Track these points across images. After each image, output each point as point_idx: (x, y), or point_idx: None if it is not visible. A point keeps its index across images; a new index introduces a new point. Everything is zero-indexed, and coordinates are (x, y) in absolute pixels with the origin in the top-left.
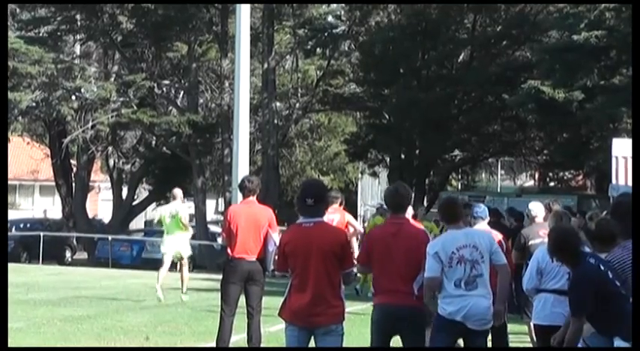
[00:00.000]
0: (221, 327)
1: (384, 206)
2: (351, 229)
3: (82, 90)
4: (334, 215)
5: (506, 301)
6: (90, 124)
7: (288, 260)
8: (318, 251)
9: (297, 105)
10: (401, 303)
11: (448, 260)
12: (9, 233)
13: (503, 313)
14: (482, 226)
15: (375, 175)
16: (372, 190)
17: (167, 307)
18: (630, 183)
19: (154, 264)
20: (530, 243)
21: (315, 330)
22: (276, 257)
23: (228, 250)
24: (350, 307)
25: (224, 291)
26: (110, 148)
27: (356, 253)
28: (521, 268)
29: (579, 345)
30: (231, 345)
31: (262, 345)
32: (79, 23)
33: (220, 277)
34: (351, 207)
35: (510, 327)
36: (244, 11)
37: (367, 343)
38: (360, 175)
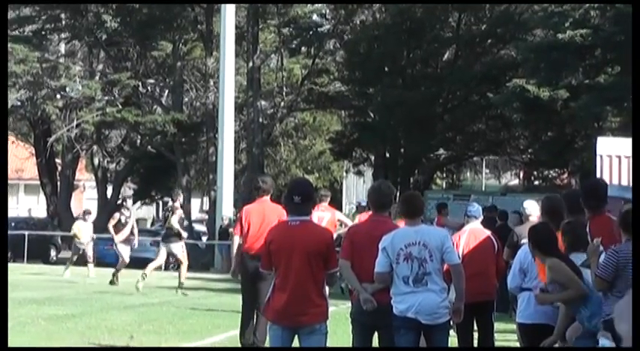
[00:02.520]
0: (242, 323)
1: (362, 204)
2: (343, 226)
3: (67, 89)
4: (325, 213)
5: (463, 299)
6: (75, 122)
7: (273, 259)
8: (302, 250)
9: (282, 104)
10: (379, 299)
11: (395, 256)
12: None
13: (462, 310)
14: (476, 224)
15: (359, 173)
16: (356, 188)
17: (152, 305)
18: (615, 181)
19: (139, 263)
20: (522, 241)
21: (299, 329)
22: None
23: (243, 249)
24: (334, 306)
25: (242, 289)
26: (95, 147)
27: None
28: None
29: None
30: (218, 343)
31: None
32: (63, 22)
33: (205, 275)
34: (336, 205)
35: (497, 325)
36: (229, 10)
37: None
38: (344, 174)
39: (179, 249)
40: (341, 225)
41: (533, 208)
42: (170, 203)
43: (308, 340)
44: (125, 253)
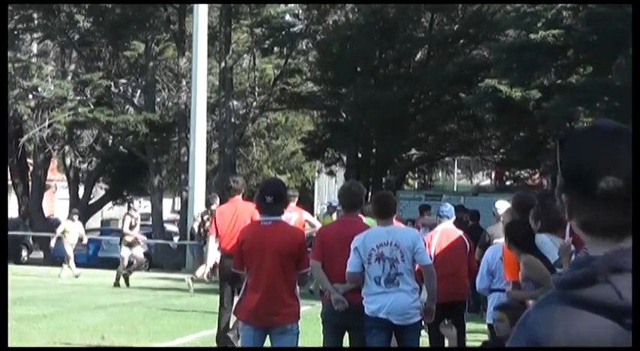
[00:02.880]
0: (219, 323)
1: (333, 205)
2: (311, 227)
3: (39, 89)
4: (292, 214)
5: (434, 299)
6: (47, 122)
7: (245, 258)
8: (275, 250)
9: (255, 104)
10: (350, 299)
11: (367, 257)
12: None
13: (434, 311)
14: (448, 224)
15: (331, 173)
16: (328, 189)
17: (123, 306)
18: None
19: (111, 263)
20: (494, 241)
21: (271, 329)
22: (234, 255)
23: (220, 249)
24: (305, 306)
25: (220, 289)
26: (67, 147)
27: None
28: None
29: None
30: (189, 343)
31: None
32: (36, 22)
33: (176, 275)
34: (307, 206)
35: (468, 326)
36: (202, 10)
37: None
38: (316, 174)
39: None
40: (309, 226)
41: (505, 208)
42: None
43: (279, 340)
44: (126, 256)
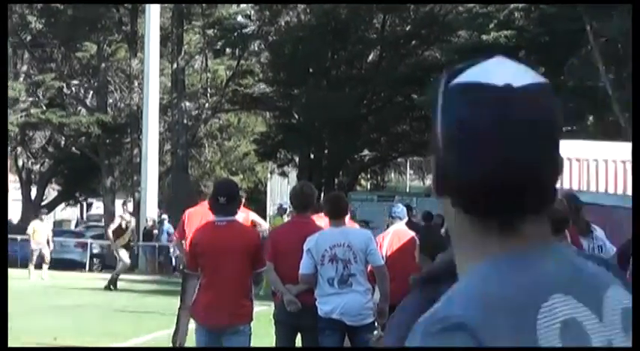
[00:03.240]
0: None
1: (284, 207)
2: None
3: None
4: (238, 215)
5: (387, 300)
6: None
7: (199, 259)
8: (231, 251)
9: (207, 105)
10: (303, 300)
11: (320, 258)
12: None
13: (387, 311)
14: (400, 226)
15: (284, 174)
16: (281, 190)
17: (76, 307)
18: None
19: (64, 264)
20: None
21: (224, 330)
22: (186, 256)
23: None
24: (258, 307)
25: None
26: (19, 148)
27: None
28: None
29: None
30: (143, 344)
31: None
32: None
33: (129, 277)
34: (260, 207)
35: None
36: (154, 11)
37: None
38: (269, 175)
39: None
40: (255, 226)
41: None
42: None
43: (231, 340)
44: (125, 257)
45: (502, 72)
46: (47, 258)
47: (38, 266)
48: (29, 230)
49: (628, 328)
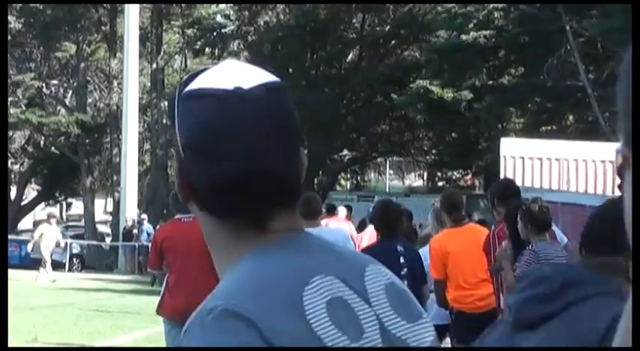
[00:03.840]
0: None
1: None
2: None
3: None
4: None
5: None
6: None
7: (166, 256)
8: (199, 247)
9: None
10: None
11: None
12: None
13: None
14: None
15: None
16: None
17: (55, 307)
18: (519, 183)
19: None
20: None
21: None
22: (150, 254)
23: None
24: None
25: None
26: None
27: None
28: None
29: None
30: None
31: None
32: None
33: (108, 276)
34: None
35: None
36: (133, 11)
37: None
38: None
39: None
40: None
41: None
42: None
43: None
44: None
45: (231, 76)
46: (47, 261)
47: (34, 267)
48: (36, 233)
49: (394, 305)
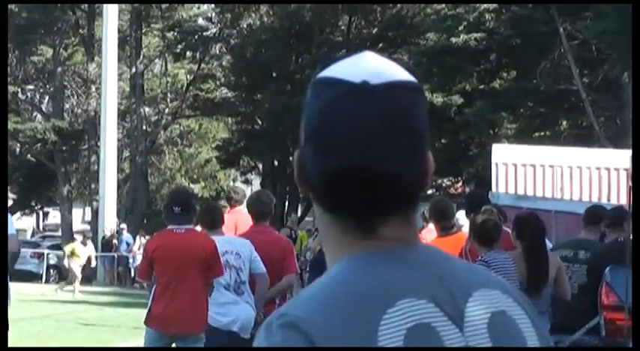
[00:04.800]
0: None
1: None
2: None
3: None
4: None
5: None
6: None
7: (155, 266)
8: (190, 258)
9: (167, 110)
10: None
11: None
12: None
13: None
14: None
15: (247, 182)
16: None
17: (32, 319)
18: (511, 190)
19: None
20: None
21: (182, 337)
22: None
23: None
24: None
25: None
26: None
27: None
28: None
29: None
30: None
31: None
32: None
33: (87, 288)
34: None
35: None
36: (112, 13)
37: None
38: (231, 183)
39: None
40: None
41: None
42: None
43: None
44: None
45: (362, 69)
46: (78, 279)
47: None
48: (67, 250)
49: (495, 334)
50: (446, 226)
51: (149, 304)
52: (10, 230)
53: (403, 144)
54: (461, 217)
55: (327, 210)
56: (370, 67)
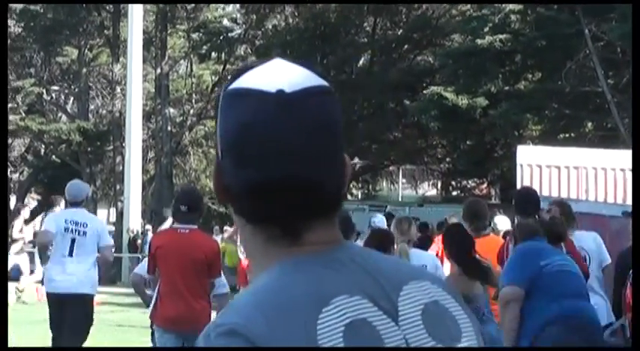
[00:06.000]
0: None
1: None
2: None
3: None
4: None
5: None
6: None
7: (158, 264)
8: (192, 258)
9: (192, 111)
10: None
11: None
12: None
13: None
14: None
15: None
16: None
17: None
18: (538, 192)
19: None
20: None
21: (188, 336)
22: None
23: None
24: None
25: None
26: None
27: None
28: None
29: None
30: None
31: None
32: None
33: (111, 289)
34: None
35: None
36: (137, 14)
37: None
38: None
39: None
40: None
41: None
42: None
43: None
44: None
45: (275, 77)
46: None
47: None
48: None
49: (429, 324)
50: (478, 227)
51: (154, 301)
52: (109, 241)
53: (324, 150)
54: (499, 222)
55: (250, 221)
56: (283, 75)
